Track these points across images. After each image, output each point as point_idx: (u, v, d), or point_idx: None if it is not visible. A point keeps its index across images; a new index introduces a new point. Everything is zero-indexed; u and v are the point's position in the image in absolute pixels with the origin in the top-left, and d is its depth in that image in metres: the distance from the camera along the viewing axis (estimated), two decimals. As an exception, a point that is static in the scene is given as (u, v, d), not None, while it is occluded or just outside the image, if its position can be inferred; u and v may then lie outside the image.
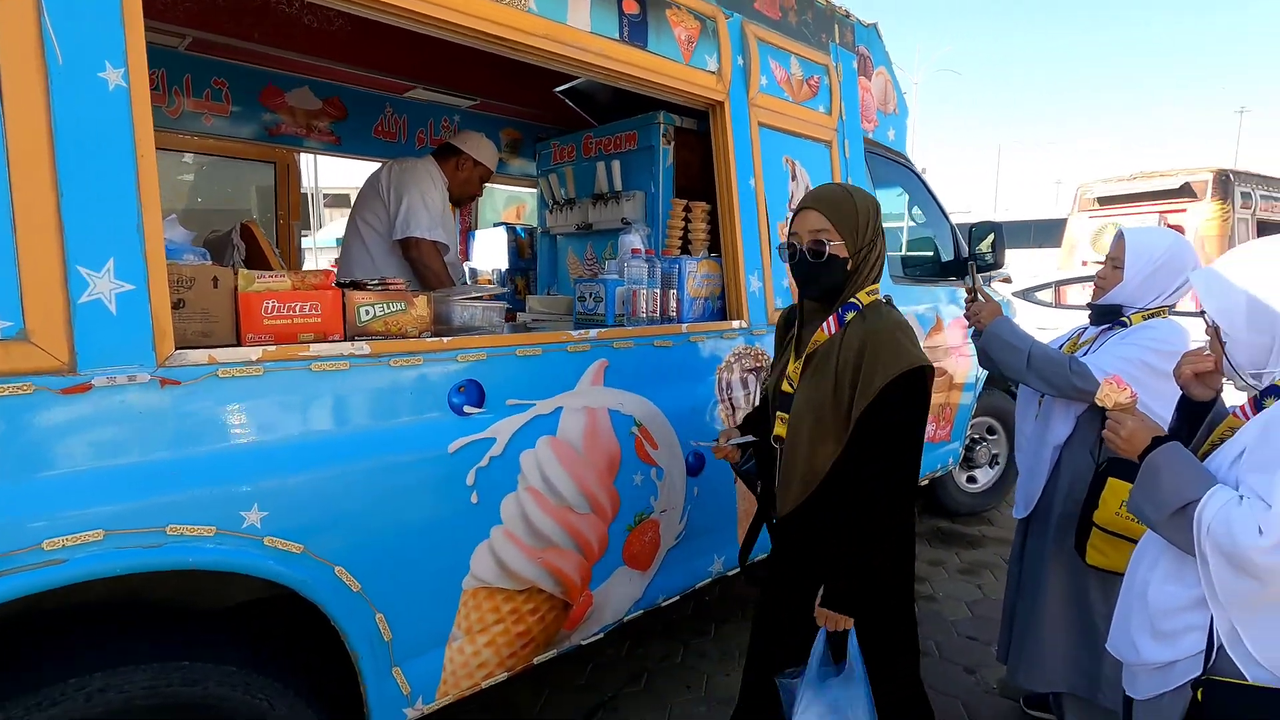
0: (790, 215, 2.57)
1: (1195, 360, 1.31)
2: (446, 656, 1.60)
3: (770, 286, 2.40)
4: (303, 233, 3.91)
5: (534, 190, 4.11)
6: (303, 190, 3.53)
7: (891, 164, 3.32)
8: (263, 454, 1.28)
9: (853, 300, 1.45)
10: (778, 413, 1.53)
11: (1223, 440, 1.18)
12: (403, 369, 1.49)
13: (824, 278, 1.46)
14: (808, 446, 1.46)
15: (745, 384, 2.31)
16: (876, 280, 1.48)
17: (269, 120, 2.95)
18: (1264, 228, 8.29)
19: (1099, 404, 1.29)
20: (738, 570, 2.41)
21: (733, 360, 2.27)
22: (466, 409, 1.59)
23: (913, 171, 3.50)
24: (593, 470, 1.84)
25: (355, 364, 1.41)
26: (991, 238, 3.30)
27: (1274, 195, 8.60)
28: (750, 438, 1.61)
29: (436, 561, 1.54)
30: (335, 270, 2.64)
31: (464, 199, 2.76)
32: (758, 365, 2.35)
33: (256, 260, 1.85)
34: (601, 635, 1.98)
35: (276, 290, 1.35)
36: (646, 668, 2.49)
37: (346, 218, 2.73)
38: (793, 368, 1.52)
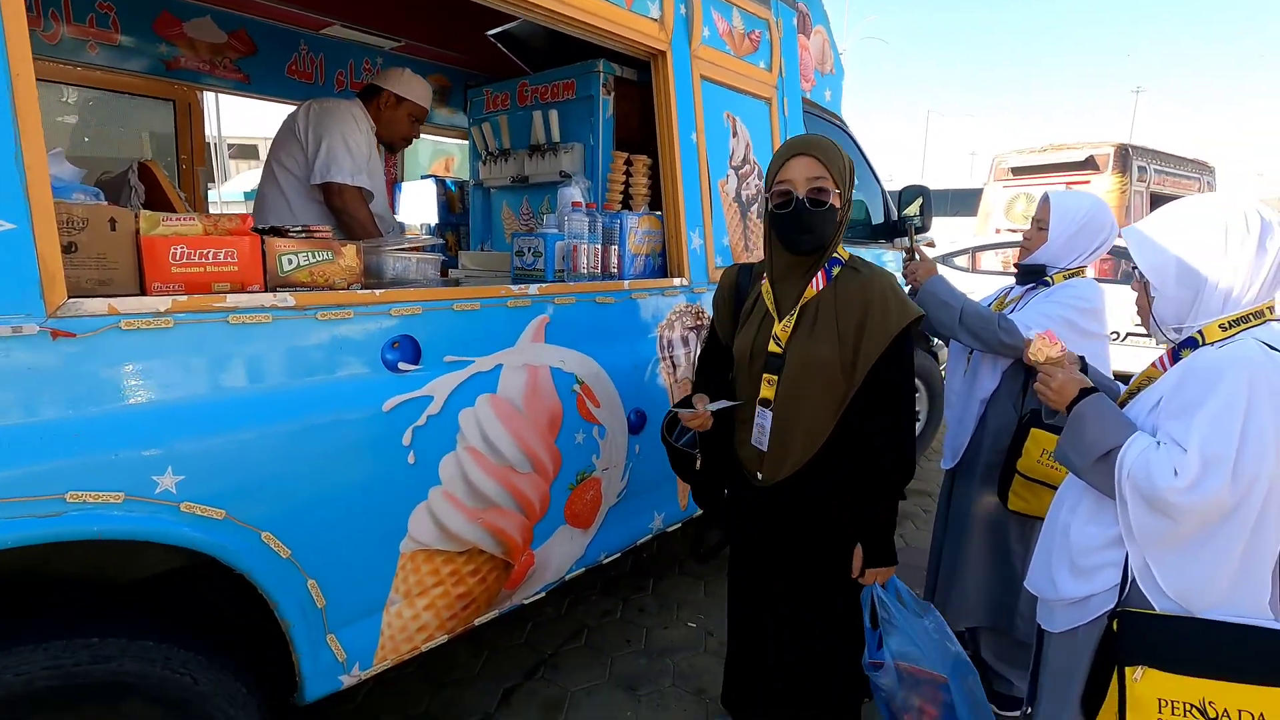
0: (748, 165, 2.57)
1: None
2: (384, 621, 1.55)
3: (711, 244, 2.38)
4: (206, 185, 3.60)
5: (462, 142, 3.93)
6: (206, 140, 3.22)
7: (828, 125, 3.35)
8: (175, 414, 1.18)
9: (835, 255, 1.42)
10: (764, 375, 1.46)
11: (1141, 389, 1.26)
12: (331, 323, 1.39)
13: (819, 229, 1.38)
14: (811, 407, 1.42)
15: (686, 342, 2.30)
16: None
17: (165, 52, 2.67)
18: (1156, 199, 8.91)
19: (1031, 358, 1.34)
20: (678, 526, 2.45)
21: (674, 318, 2.25)
22: (401, 366, 1.51)
23: (848, 134, 3.54)
24: (534, 429, 1.80)
25: (278, 316, 1.31)
26: (920, 201, 3.40)
27: (1166, 170, 9.25)
28: (725, 402, 1.51)
29: (372, 524, 1.47)
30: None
31: (396, 141, 2.52)
32: (698, 323, 2.35)
33: (159, 205, 1.68)
34: (543, 594, 1.97)
35: (186, 235, 1.23)
36: (586, 624, 2.50)
37: (254, 170, 2.51)
38: (780, 327, 1.44)
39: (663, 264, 2.32)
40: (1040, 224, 1.87)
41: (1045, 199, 1.89)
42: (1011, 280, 2.01)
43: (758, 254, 2.66)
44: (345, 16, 2.89)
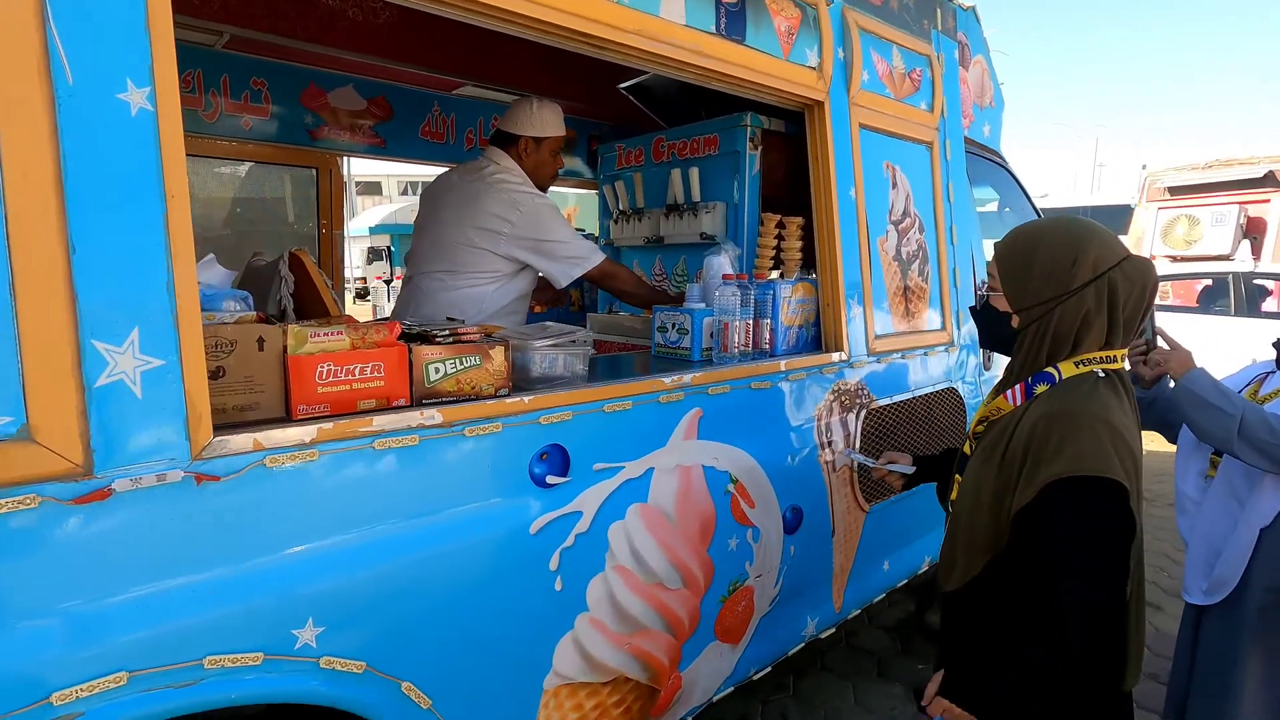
0: (908, 218, 2.29)
1: None
2: (524, 764, 1.37)
3: (871, 312, 2.11)
4: (343, 248, 3.69)
5: (582, 191, 3.85)
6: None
7: (987, 164, 2.99)
8: (317, 558, 1.05)
9: (1049, 370, 1.15)
10: (956, 475, 1.30)
11: None
12: (479, 438, 1.25)
13: (985, 330, 1.32)
14: (965, 533, 1.20)
15: (845, 425, 2.03)
16: (1096, 347, 1.13)
17: (311, 122, 2.72)
18: (1356, 220, 7.67)
19: None
20: (831, 631, 2.16)
21: (832, 399, 1.99)
22: (549, 479, 1.35)
23: (1009, 172, 3.16)
24: (686, 538, 1.59)
25: (425, 437, 1.18)
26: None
27: (1367, 185, 7.96)
28: (911, 468, 1.59)
29: (515, 663, 1.31)
30: (395, 316, 2.08)
31: (546, 182, 2.22)
32: (857, 403, 2.07)
33: (306, 294, 1.62)
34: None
35: (333, 351, 1.12)
36: (725, 732, 2.25)
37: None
38: (973, 428, 1.28)
39: (816, 334, 2.07)
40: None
41: None
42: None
43: (920, 318, 2.36)
44: (476, 76, 2.86)
